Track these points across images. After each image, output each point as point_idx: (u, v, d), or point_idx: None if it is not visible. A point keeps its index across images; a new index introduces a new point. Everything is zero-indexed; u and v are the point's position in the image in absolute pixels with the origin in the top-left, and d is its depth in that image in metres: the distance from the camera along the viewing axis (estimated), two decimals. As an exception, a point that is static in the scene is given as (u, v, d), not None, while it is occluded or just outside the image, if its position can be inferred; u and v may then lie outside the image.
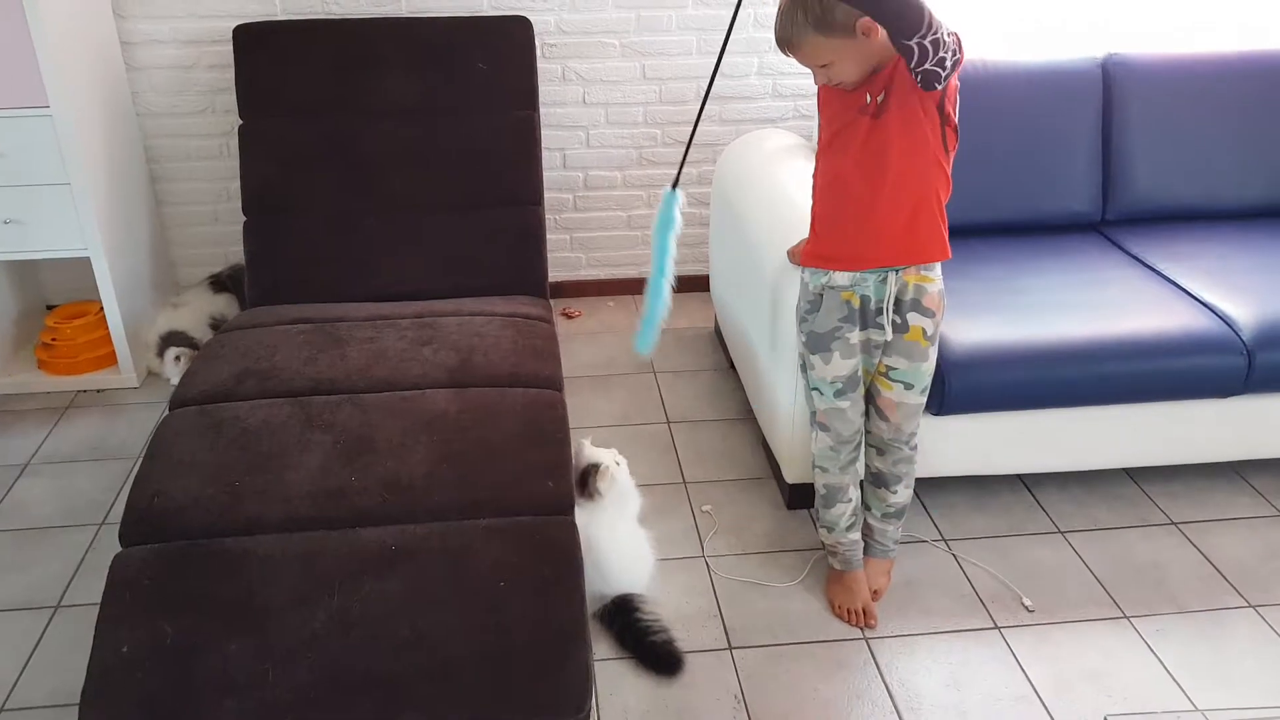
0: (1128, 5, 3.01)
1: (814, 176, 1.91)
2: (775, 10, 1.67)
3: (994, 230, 2.59)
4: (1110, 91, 2.60)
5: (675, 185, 1.75)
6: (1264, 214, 2.68)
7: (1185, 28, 3.02)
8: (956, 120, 1.68)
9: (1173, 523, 2.28)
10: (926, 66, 1.52)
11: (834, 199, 1.79)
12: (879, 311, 1.79)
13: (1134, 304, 2.25)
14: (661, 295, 1.77)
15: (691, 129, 1.80)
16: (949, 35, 1.52)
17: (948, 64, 1.53)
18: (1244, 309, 2.19)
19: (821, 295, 1.82)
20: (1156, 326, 2.15)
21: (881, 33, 1.56)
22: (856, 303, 1.80)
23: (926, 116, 1.64)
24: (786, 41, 1.64)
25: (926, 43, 1.49)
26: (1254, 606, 2.03)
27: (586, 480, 1.97)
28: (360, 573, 1.62)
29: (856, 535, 2.03)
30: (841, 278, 1.79)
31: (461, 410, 1.95)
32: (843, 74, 1.64)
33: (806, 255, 1.85)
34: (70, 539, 2.21)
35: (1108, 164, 2.64)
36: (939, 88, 1.57)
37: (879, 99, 1.64)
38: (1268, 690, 1.84)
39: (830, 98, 1.74)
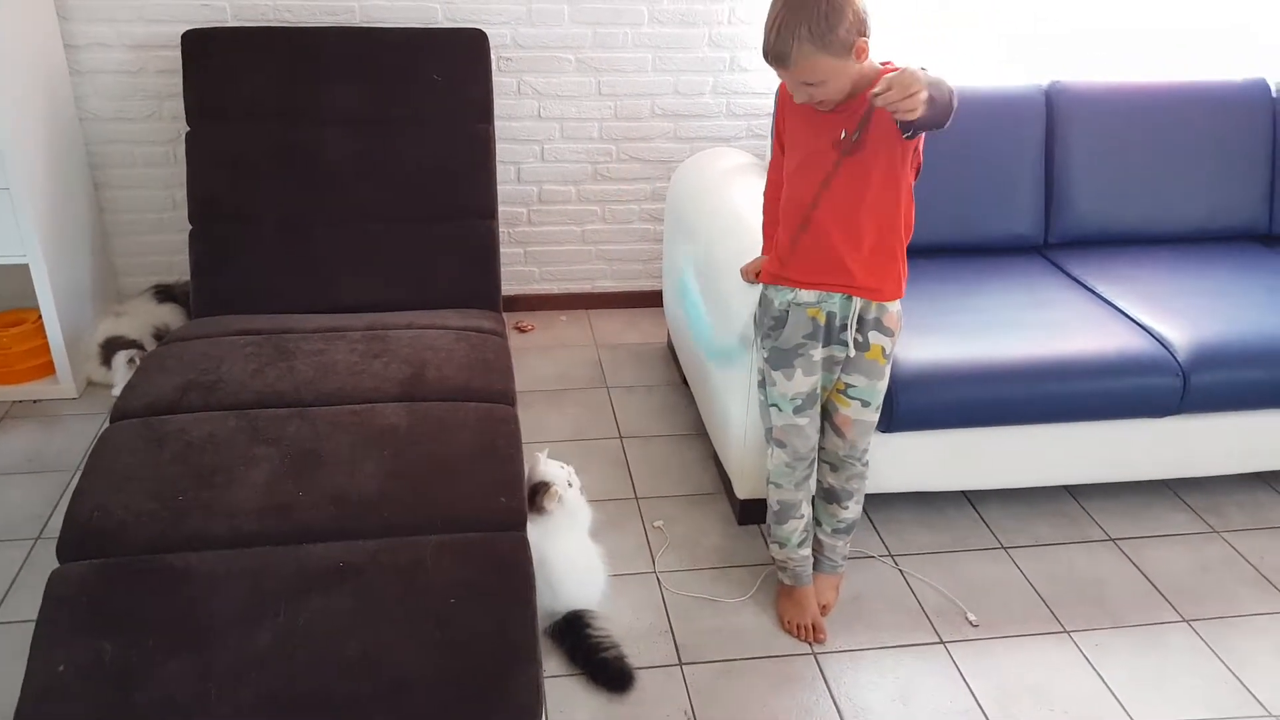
0: (1071, 36, 3.09)
1: (770, 196, 1.92)
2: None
3: (939, 251, 2.65)
4: (1053, 118, 2.68)
5: None
6: (1200, 239, 2.77)
7: (1125, 57, 3.12)
8: (922, 157, 1.71)
9: (1111, 539, 2.33)
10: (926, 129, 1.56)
11: (801, 230, 1.79)
12: (843, 328, 1.82)
13: (1074, 325, 2.30)
14: None
15: None
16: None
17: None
18: (1179, 331, 2.26)
19: (787, 312, 1.84)
20: (1095, 348, 2.21)
21: (867, 57, 1.58)
22: (822, 319, 1.82)
23: (900, 156, 1.66)
24: (780, 56, 1.58)
25: (947, 125, 1.53)
26: (1188, 620, 2.09)
27: (536, 496, 1.97)
28: (308, 590, 1.59)
29: (807, 551, 2.05)
30: (807, 295, 1.81)
31: (412, 424, 1.94)
32: (829, 93, 1.62)
33: (769, 274, 1.87)
34: (4, 554, 2.14)
35: (1050, 188, 2.71)
36: (921, 135, 1.61)
37: (853, 136, 1.65)
38: (1202, 702, 1.89)
39: (796, 124, 1.75)
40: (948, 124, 1.55)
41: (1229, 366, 2.21)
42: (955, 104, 1.54)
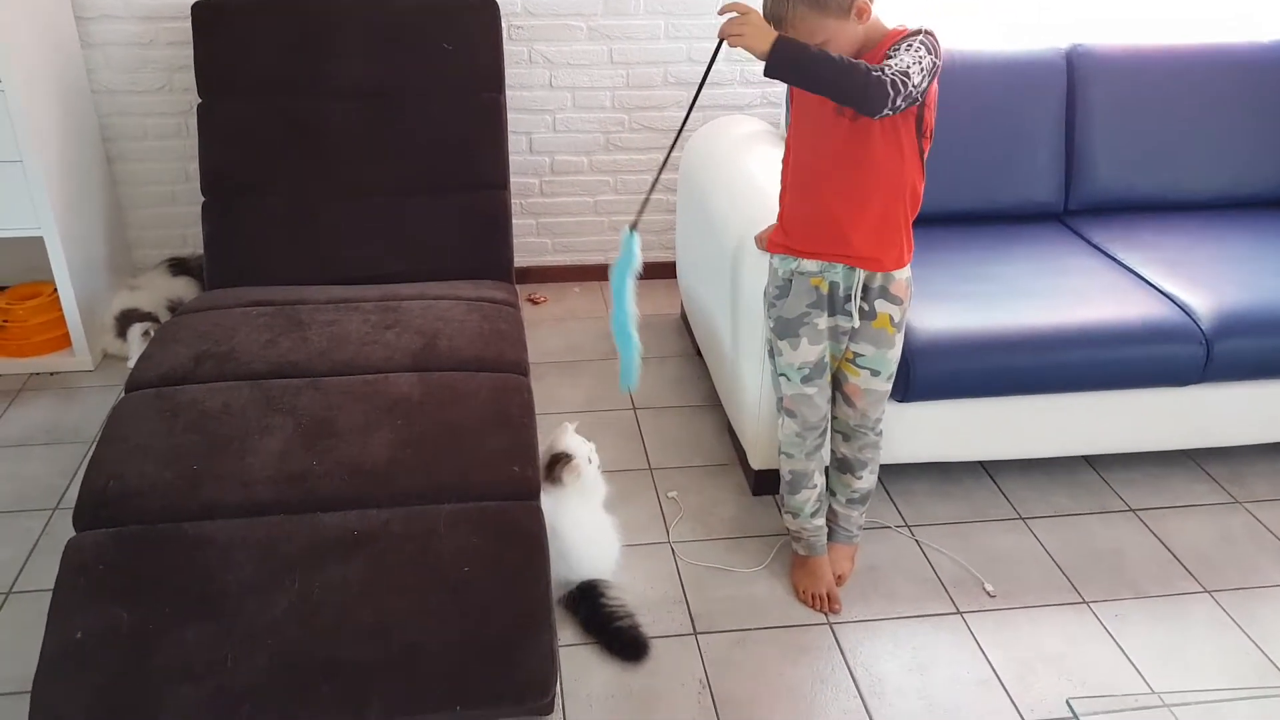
0: (1074, 26, 3.03)
1: (783, 166, 1.90)
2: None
3: (958, 219, 2.61)
4: (1074, 82, 2.63)
5: (634, 227, 1.67)
6: (1223, 205, 2.72)
7: (1150, 20, 3.06)
8: (933, 123, 1.67)
9: (1131, 509, 2.31)
10: (902, 105, 1.52)
11: (803, 197, 1.77)
12: (847, 298, 1.79)
13: (1095, 293, 2.27)
14: (630, 336, 1.71)
15: (658, 171, 1.77)
16: (919, 57, 1.50)
17: (924, 85, 1.52)
18: (1203, 299, 2.22)
19: (790, 280, 1.82)
20: (1117, 315, 2.18)
21: (870, 17, 1.55)
22: (825, 289, 1.80)
23: (905, 124, 1.63)
24: (778, 18, 1.57)
25: (899, 102, 1.49)
26: (1209, 591, 2.07)
27: (554, 466, 1.96)
28: (322, 558, 1.59)
29: (821, 521, 2.03)
30: (810, 264, 1.79)
31: (425, 394, 1.93)
32: None
33: (775, 243, 1.85)
34: (22, 524, 2.16)
35: (1070, 154, 2.66)
36: (919, 102, 1.57)
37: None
38: (1222, 673, 1.87)
39: (802, 90, 1.72)
40: (887, 107, 1.49)
41: (1253, 334, 2.17)
42: (870, 91, 1.48)
